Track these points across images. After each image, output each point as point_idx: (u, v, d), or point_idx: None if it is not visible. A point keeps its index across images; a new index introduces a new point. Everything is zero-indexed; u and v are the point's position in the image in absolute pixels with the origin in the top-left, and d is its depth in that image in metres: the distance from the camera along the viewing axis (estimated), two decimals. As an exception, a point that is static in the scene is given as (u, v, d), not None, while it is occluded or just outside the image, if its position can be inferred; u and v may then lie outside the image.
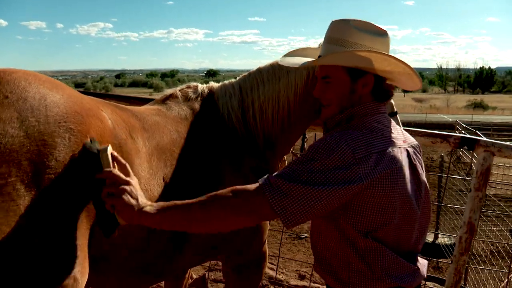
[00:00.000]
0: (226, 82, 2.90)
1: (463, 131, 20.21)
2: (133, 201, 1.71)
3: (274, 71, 2.76)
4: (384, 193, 1.75)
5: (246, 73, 2.90)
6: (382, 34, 1.92)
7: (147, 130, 2.26)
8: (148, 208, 1.72)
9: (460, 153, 19.09)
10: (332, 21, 1.99)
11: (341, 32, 1.91)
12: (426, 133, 3.56)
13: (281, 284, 4.81)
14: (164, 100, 2.74)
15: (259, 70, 2.83)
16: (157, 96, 3.08)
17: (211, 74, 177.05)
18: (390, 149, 1.79)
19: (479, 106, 61.67)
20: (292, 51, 2.44)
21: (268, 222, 2.85)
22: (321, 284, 4.78)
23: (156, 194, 2.17)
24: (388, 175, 1.75)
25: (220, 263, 5.20)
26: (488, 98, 76.05)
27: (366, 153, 1.73)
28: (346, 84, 1.90)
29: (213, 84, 2.91)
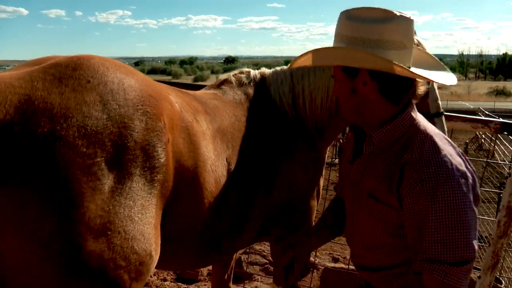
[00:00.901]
0: (278, 68, 2.99)
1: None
2: None
3: None
4: None
5: None
6: (384, 19, 1.66)
7: (209, 114, 2.37)
8: None
9: (482, 140, 18.88)
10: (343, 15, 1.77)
11: (340, 26, 1.74)
12: (467, 119, 3.59)
13: (317, 267, 4.90)
14: (219, 85, 2.86)
15: None
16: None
17: (230, 61, 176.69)
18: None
19: (501, 93, 60.51)
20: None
21: (317, 200, 2.94)
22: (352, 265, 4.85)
23: (221, 175, 2.28)
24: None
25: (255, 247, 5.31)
26: (511, 85, 74.68)
27: (470, 173, 1.67)
28: (346, 82, 1.77)
29: (265, 70, 3.00)
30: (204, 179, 2.15)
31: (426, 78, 1.71)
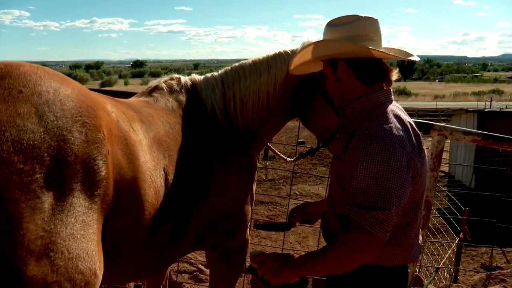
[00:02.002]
0: (208, 75, 2.97)
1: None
2: (276, 268, 1.97)
3: (256, 66, 2.88)
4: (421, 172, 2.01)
5: (228, 67, 2.99)
6: (335, 24, 2.14)
7: (144, 122, 2.29)
8: (290, 267, 1.96)
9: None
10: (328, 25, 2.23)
11: (324, 34, 2.20)
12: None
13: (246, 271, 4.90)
14: (150, 92, 2.77)
15: (241, 65, 2.93)
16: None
17: (138, 65, 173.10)
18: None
19: (403, 93, 64.54)
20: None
21: (251, 205, 2.96)
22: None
23: (160, 185, 2.21)
24: (424, 158, 2.02)
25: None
26: (410, 85, 79.74)
27: (411, 147, 1.95)
28: (331, 74, 2.16)
29: (195, 76, 2.97)
30: (144, 190, 2.08)
31: (387, 55, 2.06)
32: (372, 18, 2.11)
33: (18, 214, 1.41)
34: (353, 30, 2.08)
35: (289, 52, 2.88)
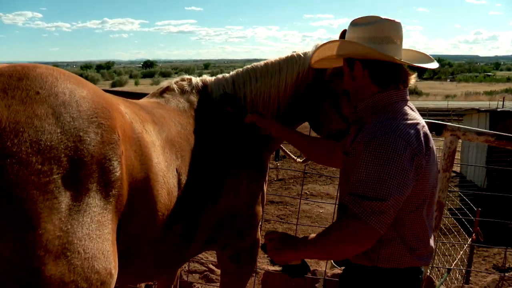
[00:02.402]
0: (220, 76, 3.00)
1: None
2: (278, 246, 2.05)
3: (268, 68, 2.90)
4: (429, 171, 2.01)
5: (239, 69, 3.01)
6: (358, 24, 2.16)
7: (156, 123, 2.31)
8: (287, 247, 2.02)
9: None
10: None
11: (347, 33, 2.23)
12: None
13: (256, 271, 4.91)
14: (161, 93, 2.79)
15: (253, 67, 2.95)
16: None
17: (148, 65, 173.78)
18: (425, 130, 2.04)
19: (414, 93, 64.21)
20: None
21: (262, 205, 2.96)
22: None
23: (172, 186, 2.23)
24: (430, 157, 2.01)
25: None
26: (421, 85, 79.26)
27: (417, 143, 1.94)
28: (347, 72, 2.19)
29: (206, 77, 2.99)
30: (157, 191, 2.10)
31: (402, 61, 2.08)
32: (394, 20, 2.12)
33: (36, 214, 1.43)
34: (375, 31, 2.09)
35: (301, 54, 2.89)
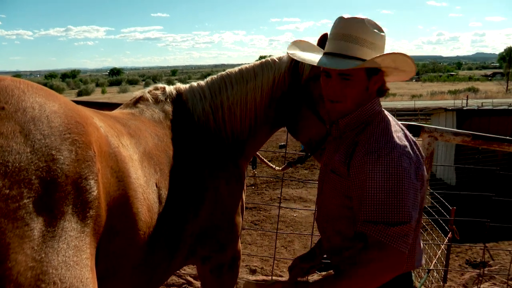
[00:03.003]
0: (194, 83, 2.91)
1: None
2: None
3: (243, 74, 2.84)
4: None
5: (214, 75, 2.94)
6: (381, 30, 2.03)
7: (133, 136, 2.19)
8: None
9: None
10: (341, 18, 2.05)
11: (352, 29, 1.99)
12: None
13: (238, 282, 4.81)
14: (134, 104, 2.68)
15: (228, 73, 2.88)
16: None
17: (115, 73, 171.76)
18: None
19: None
20: (293, 44, 2.39)
21: (241, 215, 2.88)
22: (275, 276, 4.85)
23: (153, 202, 2.11)
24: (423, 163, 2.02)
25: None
26: (387, 86, 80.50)
27: (414, 155, 1.93)
28: (363, 82, 2.00)
29: (180, 85, 2.90)
30: (137, 209, 1.97)
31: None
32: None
33: (5, 245, 1.29)
34: (382, 41, 2.03)
35: (276, 59, 2.84)
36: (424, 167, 1.97)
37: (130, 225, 1.95)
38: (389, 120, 2.03)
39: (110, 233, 1.80)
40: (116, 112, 2.58)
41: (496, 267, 7.12)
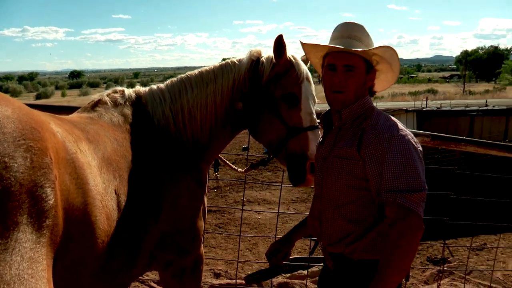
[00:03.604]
0: (154, 86, 2.87)
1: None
2: None
3: (202, 77, 2.82)
4: None
5: (174, 78, 2.90)
6: (371, 37, 2.32)
7: (91, 141, 2.13)
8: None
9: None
10: (346, 22, 2.34)
11: (354, 30, 2.29)
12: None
13: (203, 286, 4.77)
14: (93, 107, 2.61)
15: (187, 76, 2.86)
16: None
17: (75, 75, 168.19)
18: None
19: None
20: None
21: (203, 219, 2.86)
22: (239, 279, 4.84)
23: (112, 209, 2.06)
24: None
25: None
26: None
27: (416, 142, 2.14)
28: (363, 75, 2.25)
29: (139, 88, 2.86)
30: (95, 217, 1.92)
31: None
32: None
33: None
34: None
35: (236, 61, 2.83)
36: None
37: (88, 233, 1.90)
38: (385, 114, 2.25)
39: (68, 242, 1.75)
40: (74, 116, 2.51)
41: (455, 263, 7.31)
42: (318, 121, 2.70)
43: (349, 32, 2.28)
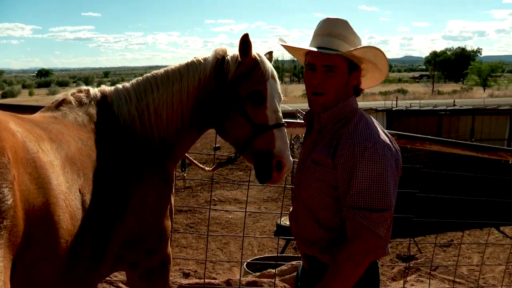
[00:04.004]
0: (119, 85, 2.85)
1: (304, 119, 21.64)
2: None
3: (168, 75, 2.80)
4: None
5: (139, 77, 2.88)
6: (356, 33, 2.23)
7: (54, 141, 2.11)
8: None
9: (303, 139, 20.41)
10: (327, 18, 2.25)
11: (336, 27, 2.20)
12: (304, 124, 3.78)
13: (172, 286, 4.76)
14: (57, 106, 2.58)
15: (153, 75, 2.84)
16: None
17: (44, 74, 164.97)
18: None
19: (314, 95, 66.39)
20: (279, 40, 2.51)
21: (170, 218, 2.85)
22: (208, 279, 4.84)
23: (76, 208, 2.04)
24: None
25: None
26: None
27: (394, 147, 2.11)
28: (345, 76, 2.18)
29: (105, 88, 2.83)
30: (58, 217, 1.90)
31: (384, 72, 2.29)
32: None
33: None
34: (360, 42, 2.24)
35: (201, 60, 2.82)
36: (401, 159, 2.16)
37: (51, 233, 1.88)
38: (368, 118, 2.19)
39: (30, 243, 1.73)
40: (37, 115, 2.48)
41: (422, 260, 7.46)
42: (302, 118, 2.72)
43: (331, 29, 2.19)
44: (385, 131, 2.23)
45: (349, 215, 1.97)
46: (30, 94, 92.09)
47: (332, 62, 2.13)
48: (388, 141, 2.09)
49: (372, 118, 2.24)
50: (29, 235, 1.71)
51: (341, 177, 2.05)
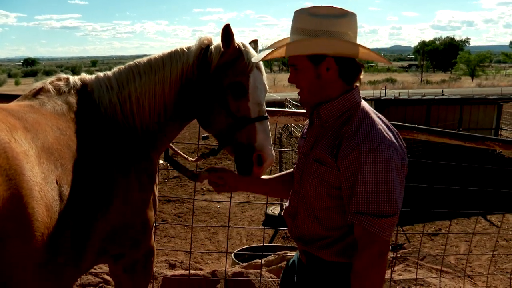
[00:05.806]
0: (100, 74, 2.76)
1: (293, 107, 21.64)
2: None
3: (151, 64, 2.72)
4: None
5: (121, 66, 2.79)
6: (342, 15, 2.02)
7: (29, 130, 2.03)
8: None
9: (292, 128, 20.39)
10: (294, 11, 2.09)
11: (301, 21, 2.05)
12: (289, 112, 3.75)
13: (155, 277, 4.71)
14: (34, 95, 2.49)
15: (136, 63, 2.76)
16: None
17: (30, 63, 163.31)
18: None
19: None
20: (273, 44, 2.38)
21: (154, 210, 2.79)
22: (195, 270, 4.80)
23: (52, 200, 1.97)
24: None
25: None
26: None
27: (399, 146, 2.02)
28: (310, 70, 2.04)
29: (85, 76, 2.74)
30: (32, 209, 1.83)
31: (383, 60, 2.22)
32: (355, 14, 2.07)
33: None
34: (349, 26, 2.03)
35: (185, 49, 2.74)
36: (406, 157, 2.07)
37: (25, 226, 1.81)
38: (372, 113, 2.08)
39: (3, 238, 1.67)
40: (12, 104, 2.39)
41: (410, 249, 7.48)
42: (304, 111, 2.64)
43: (293, 24, 2.09)
44: (390, 125, 2.12)
45: (355, 221, 1.92)
46: (16, 83, 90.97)
47: (292, 61, 2.09)
48: (393, 139, 1.99)
49: (374, 111, 2.12)
50: (3, 229, 1.65)
51: (345, 179, 1.97)
